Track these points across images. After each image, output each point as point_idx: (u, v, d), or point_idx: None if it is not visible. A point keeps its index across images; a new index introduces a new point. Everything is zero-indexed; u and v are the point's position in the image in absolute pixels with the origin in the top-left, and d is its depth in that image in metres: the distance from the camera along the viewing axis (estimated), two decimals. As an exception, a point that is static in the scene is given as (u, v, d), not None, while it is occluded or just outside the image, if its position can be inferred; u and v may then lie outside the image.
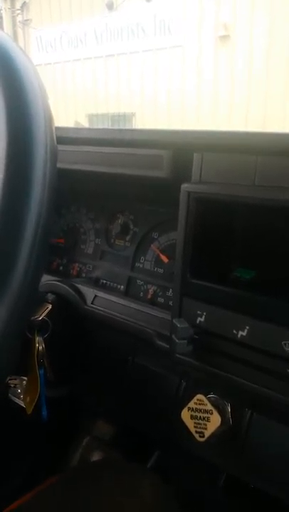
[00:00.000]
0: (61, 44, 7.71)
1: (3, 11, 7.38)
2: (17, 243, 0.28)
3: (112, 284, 0.66)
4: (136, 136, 0.46)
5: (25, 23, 7.46)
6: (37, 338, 0.50)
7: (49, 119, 0.31)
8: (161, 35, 6.35)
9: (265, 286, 0.41)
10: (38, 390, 0.49)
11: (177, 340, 0.43)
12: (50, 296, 0.55)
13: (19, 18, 7.47)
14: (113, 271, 0.66)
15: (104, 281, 0.68)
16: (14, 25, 7.51)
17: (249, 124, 5.04)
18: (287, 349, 0.38)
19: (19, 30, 7.65)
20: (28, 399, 0.51)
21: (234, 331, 0.41)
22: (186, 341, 0.43)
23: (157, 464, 0.63)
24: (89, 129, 0.52)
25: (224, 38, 5.26)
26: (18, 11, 7.39)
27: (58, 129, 0.51)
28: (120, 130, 0.47)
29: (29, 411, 0.50)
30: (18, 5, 7.37)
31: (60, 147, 0.48)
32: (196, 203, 0.42)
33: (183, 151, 0.43)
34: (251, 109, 5.08)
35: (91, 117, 8.08)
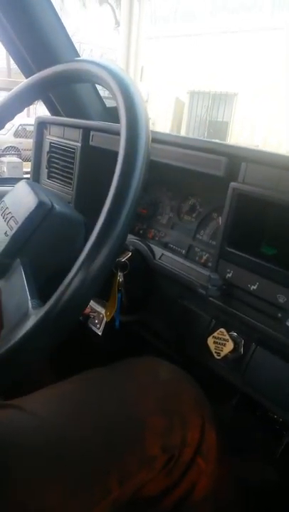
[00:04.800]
0: (175, 18, 7.75)
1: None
2: (122, 208, 0.48)
3: (176, 248, 0.88)
4: (206, 145, 0.67)
5: (142, -3, 7.61)
6: (119, 273, 0.74)
7: (147, 133, 0.49)
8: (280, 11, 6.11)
9: (281, 259, 0.60)
10: (116, 307, 0.74)
11: (210, 286, 0.64)
12: (131, 247, 0.79)
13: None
14: (179, 238, 0.88)
15: (171, 246, 0.89)
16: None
17: None
18: (279, 300, 0.58)
19: (136, 3, 7.85)
20: (108, 313, 0.76)
21: (248, 285, 0.61)
22: (216, 288, 0.64)
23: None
24: (175, 136, 0.73)
25: None
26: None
27: (155, 132, 0.73)
28: (196, 139, 0.68)
29: (108, 319, 0.75)
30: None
31: (154, 145, 0.71)
32: (237, 197, 0.62)
33: (235, 160, 0.62)
34: None
35: (192, 94, 8.15)
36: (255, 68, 6.48)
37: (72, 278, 0.45)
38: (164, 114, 8.02)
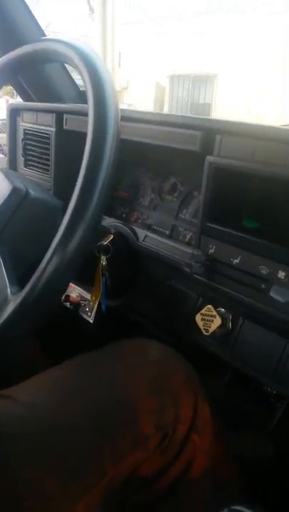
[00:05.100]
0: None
1: None
2: (93, 190, 0.45)
3: (160, 229, 0.87)
4: (179, 120, 0.66)
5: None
6: (102, 257, 0.73)
7: (116, 111, 0.48)
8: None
9: (262, 231, 0.60)
10: (100, 291, 0.73)
11: (193, 263, 0.64)
12: (113, 230, 0.78)
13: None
14: (162, 219, 0.87)
15: (155, 227, 0.88)
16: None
17: None
18: (262, 271, 0.57)
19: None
20: (93, 298, 0.75)
21: (231, 259, 0.61)
22: (200, 264, 0.63)
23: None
24: (147, 112, 0.72)
25: None
26: None
27: (125, 110, 0.71)
28: (169, 115, 0.67)
29: (94, 304, 0.74)
30: None
31: (126, 123, 0.69)
32: (214, 170, 0.61)
33: (209, 133, 0.61)
34: None
35: (172, 78, 8.07)
36: (236, 49, 6.44)
37: (48, 262, 0.44)
38: (144, 99, 7.94)
